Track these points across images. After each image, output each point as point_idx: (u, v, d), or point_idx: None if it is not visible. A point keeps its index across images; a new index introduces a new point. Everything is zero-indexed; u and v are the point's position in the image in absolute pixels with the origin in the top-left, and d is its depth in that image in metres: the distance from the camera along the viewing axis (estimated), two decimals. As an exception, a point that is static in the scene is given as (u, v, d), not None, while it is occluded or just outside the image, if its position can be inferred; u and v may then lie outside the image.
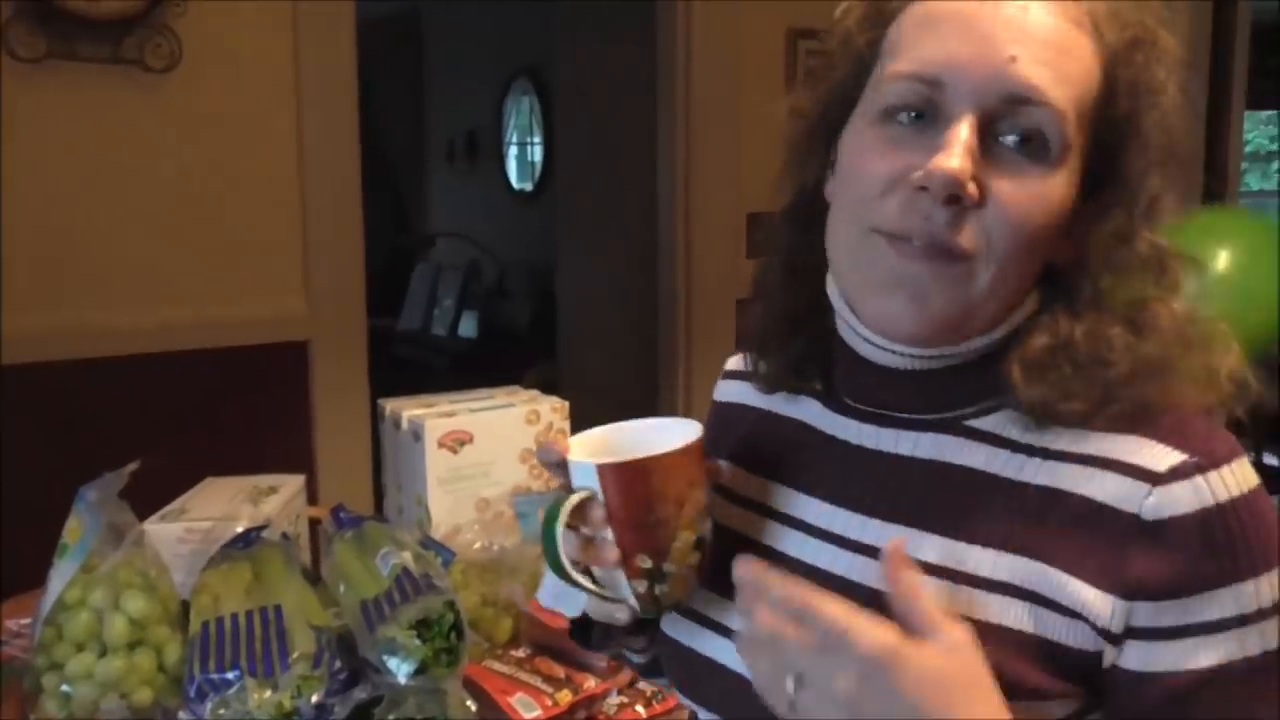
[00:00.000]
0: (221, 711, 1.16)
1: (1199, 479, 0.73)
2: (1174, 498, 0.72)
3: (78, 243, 2.33)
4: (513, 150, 6.42)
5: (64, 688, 1.20)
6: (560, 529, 0.80)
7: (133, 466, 1.33)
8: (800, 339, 0.91)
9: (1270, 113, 7.18)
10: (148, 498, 1.50)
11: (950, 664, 0.68)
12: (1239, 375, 0.80)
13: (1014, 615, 0.74)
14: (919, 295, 0.76)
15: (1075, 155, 0.76)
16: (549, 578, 0.89)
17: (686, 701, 0.93)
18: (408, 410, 1.73)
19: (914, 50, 0.77)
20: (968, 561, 0.77)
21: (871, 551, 0.80)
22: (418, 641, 1.22)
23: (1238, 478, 0.74)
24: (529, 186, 6.22)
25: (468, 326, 5.91)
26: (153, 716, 1.24)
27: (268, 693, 1.17)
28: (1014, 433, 0.80)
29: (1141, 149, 0.78)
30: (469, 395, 1.85)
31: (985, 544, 0.76)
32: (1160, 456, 0.74)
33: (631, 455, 0.81)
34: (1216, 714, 0.73)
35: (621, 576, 0.82)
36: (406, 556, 1.35)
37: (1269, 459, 5.16)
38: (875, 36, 0.81)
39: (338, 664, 1.22)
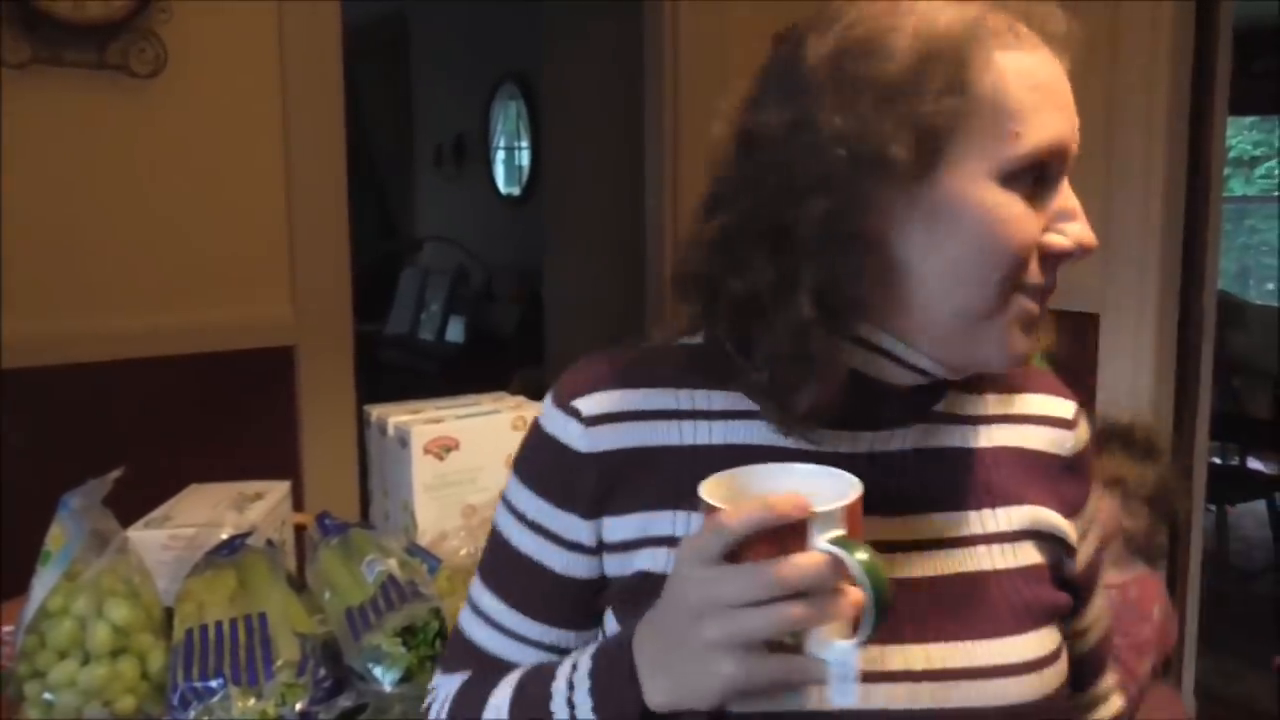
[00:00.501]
0: (205, 719, 1.16)
1: (1083, 420, 0.99)
2: (1080, 436, 0.98)
3: (62, 248, 2.32)
4: (500, 155, 6.42)
5: (46, 696, 1.20)
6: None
7: (116, 473, 1.33)
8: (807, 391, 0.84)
9: (1254, 118, 7.22)
10: (132, 504, 1.49)
11: None
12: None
13: (1034, 554, 0.90)
14: (1028, 336, 0.86)
15: None
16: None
17: None
18: (394, 416, 1.72)
19: (1037, 117, 0.81)
20: (989, 524, 0.90)
21: (927, 545, 0.88)
22: (403, 649, 1.22)
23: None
24: (516, 191, 6.22)
25: (455, 331, 5.91)
26: (136, 725, 1.23)
27: (252, 701, 1.16)
28: (965, 409, 0.93)
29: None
30: (456, 401, 1.84)
31: (994, 505, 0.90)
32: (1063, 406, 0.98)
33: (814, 499, 0.72)
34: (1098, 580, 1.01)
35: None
36: (392, 564, 1.34)
37: (1254, 464, 5.20)
38: (959, 79, 0.79)
39: (322, 672, 1.21)
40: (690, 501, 0.78)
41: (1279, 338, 5.59)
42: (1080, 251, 0.84)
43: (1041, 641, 0.87)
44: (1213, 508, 4.39)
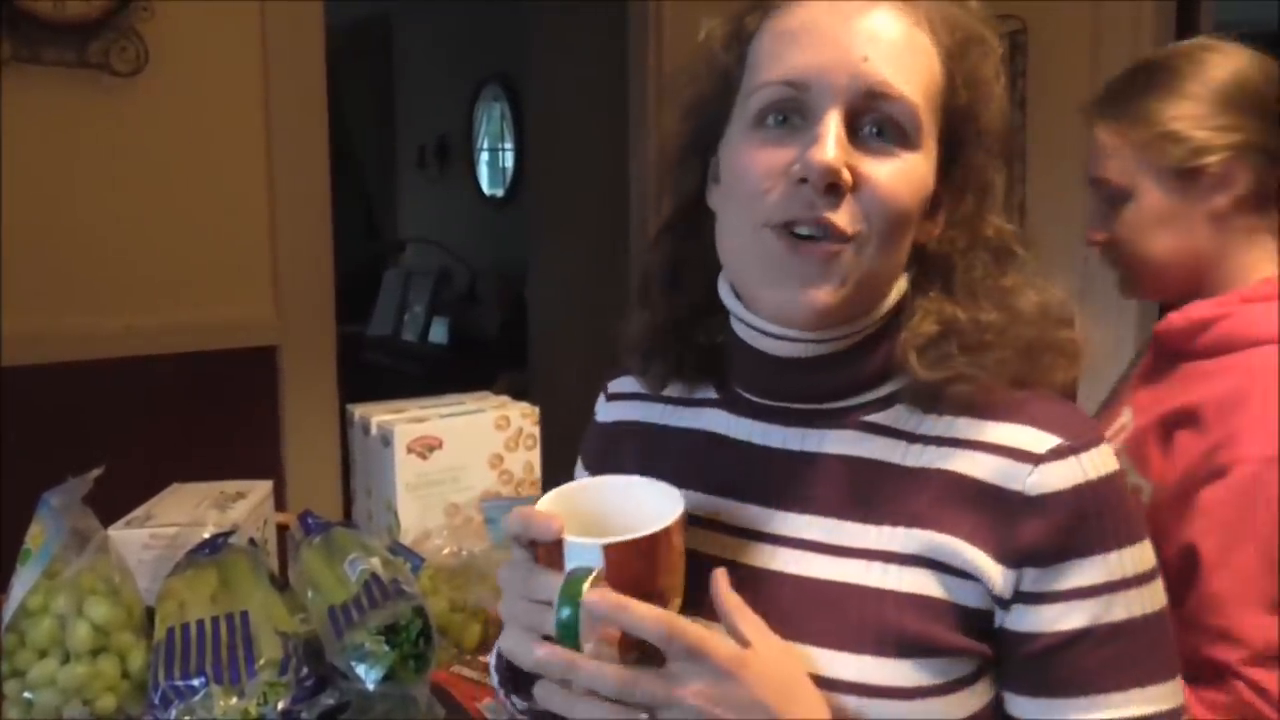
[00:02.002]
0: (187, 718, 1.15)
1: (1072, 459, 0.83)
2: (1053, 475, 0.83)
3: (42, 247, 2.31)
4: (484, 156, 6.41)
5: (26, 694, 1.19)
6: (579, 609, 0.76)
7: (97, 472, 1.32)
8: (684, 345, 0.99)
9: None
10: (114, 503, 1.49)
11: (784, 663, 0.79)
12: (1089, 349, 0.92)
13: (926, 584, 0.83)
14: (810, 282, 0.84)
15: (931, 140, 0.87)
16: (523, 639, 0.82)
17: None
18: (377, 416, 1.72)
19: (778, 60, 0.86)
20: (880, 540, 0.85)
21: (814, 547, 0.88)
22: (386, 647, 1.21)
23: (1104, 459, 0.84)
24: (500, 192, 6.21)
25: (438, 333, 5.90)
26: (116, 724, 1.23)
27: (233, 699, 1.16)
28: (909, 424, 0.89)
29: (981, 138, 0.90)
30: (439, 401, 1.84)
31: (895, 524, 0.85)
32: (1039, 440, 0.84)
33: (617, 524, 0.82)
34: (1079, 668, 0.82)
35: (615, 653, 0.78)
36: (375, 562, 1.34)
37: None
38: (739, 54, 0.90)
39: (304, 671, 1.21)
40: (655, 473, 0.89)
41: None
42: (811, 171, 0.81)
43: (906, 673, 0.81)
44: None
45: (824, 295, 0.84)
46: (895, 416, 0.89)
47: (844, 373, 0.91)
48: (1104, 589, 0.82)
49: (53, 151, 2.31)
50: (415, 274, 6.23)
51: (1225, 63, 1.37)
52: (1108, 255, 1.50)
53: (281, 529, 1.73)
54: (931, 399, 0.88)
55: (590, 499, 0.87)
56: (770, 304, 0.87)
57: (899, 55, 0.84)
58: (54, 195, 2.32)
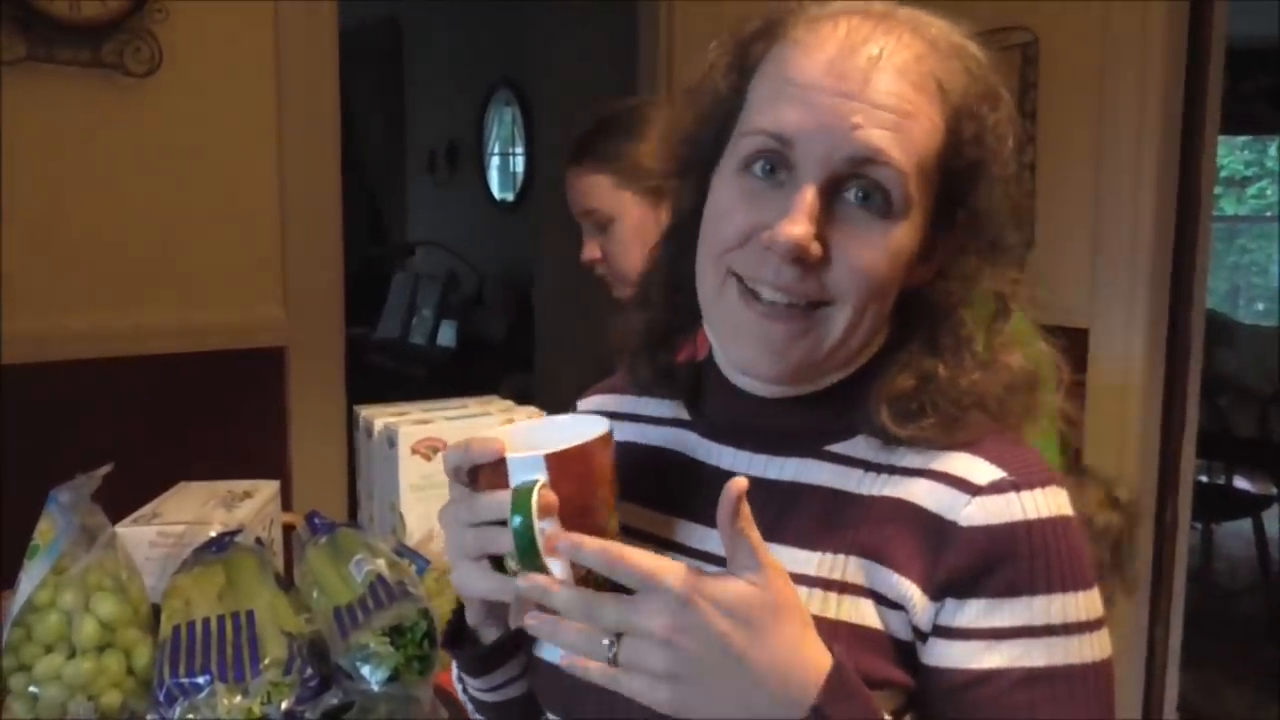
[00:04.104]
0: (191, 716, 1.15)
1: (1012, 494, 0.81)
2: (988, 508, 0.81)
3: (55, 246, 2.32)
4: (494, 161, 6.42)
5: (32, 689, 1.19)
6: (536, 520, 0.78)
7: (105, 469, 1.33)
8: (669, 354, 0.99)
9: (1245, 138, 7.26)
10: (122, 501, 1.49)
11: (755, 592, 0.74)
12: (1059, 412, 0.91)
13: (861, 613, 0.82)
14: (773, 349, 0.84)
15: (919, 209, 0.84)
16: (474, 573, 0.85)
17: None
18: (382, 417, 1.73)
19: (770, 110, 0.84)
20: (823, 568, 0.84)
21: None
22: (391, 648, 1.22)
23: (1050, 501, 0.82)
24: (511, 197, 6.22)
25: (446, 336, 5.91)
26: (121, 719, 1.23)
27: (238, 698, 1.16)
28: (867, 454, 0.88)
29: (989, 194, 0.87)
30: (444, 404, 1.85)
31: (837, 551, 0.84)
32: (983, 472, 0.82)
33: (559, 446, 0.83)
34: (991, 709, 0.79)
35: (561, 566, 0.80)
36: (380, 564, 1.34)
37: (1240, 483, 5.22)
38: (740, 85, 0.89)
39: (309, 671, 1.21)
40: (626, 491, 0.90)
41: (1267, 357, 5.61)
42: (776, 244, 0.80)
43: None
44: (1198, 526, 4.41)
45: (783, 362, 0.85)
46: (857, 446, 0.88)
47: (813, 414, 0.90)
48: (1024, 632, 0.79)
49: (66, 151, 2.32)
50: (423, 277, 6.25)
51: (668, 115, 1.71)
52: (601, 268, 1.85)
53: (288, 529, 1.73)
54: (897, 441, 0.86)
55: (519, 438, 0.88)
56: (734, 359, 0.88)
57: (894, 122, 0.81)
58: (66, 194, 2.33)
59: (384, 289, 6.42)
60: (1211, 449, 4.66)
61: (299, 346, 2.61)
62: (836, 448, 0.89)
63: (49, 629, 1.22)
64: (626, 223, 1.78)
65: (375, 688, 1.21)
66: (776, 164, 0.84)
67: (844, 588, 0.83)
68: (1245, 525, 4.81)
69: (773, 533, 0.86)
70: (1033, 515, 0.80)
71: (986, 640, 0.80)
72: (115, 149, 2.37)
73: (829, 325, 0.84)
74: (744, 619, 0.73)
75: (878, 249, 0.82)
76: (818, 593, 0.83)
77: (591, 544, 0.76)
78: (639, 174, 1.75)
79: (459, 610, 0.97)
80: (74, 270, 2.34)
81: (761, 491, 0.88)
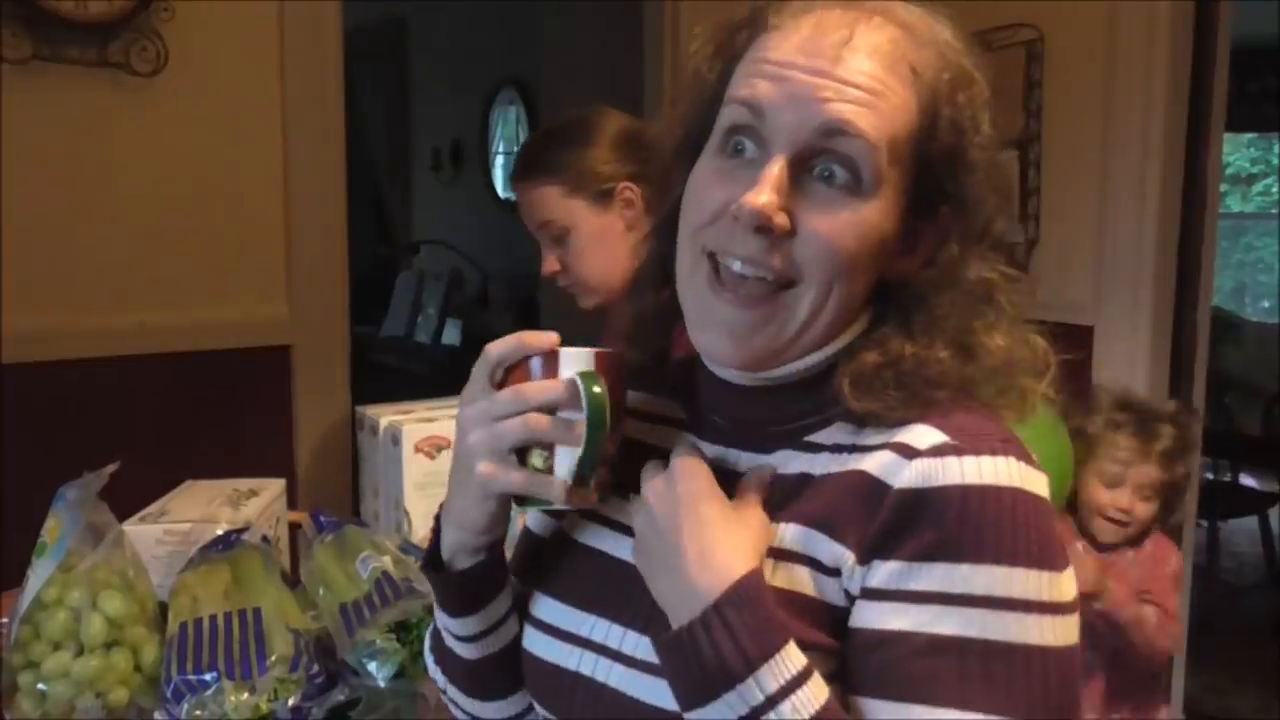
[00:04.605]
0: (198, 713, 1.16)
1: (951, 458, 0.78)
2: (922, 471, 0.79)
3: (61, 245, 2.32)
4: (499, 159, 6.42)
5: (40, 686, 1.20)
6: (601, 389, 0.83)
7: (112, 467, 1.33)
8: (665, 341, 1.00)
9: (1251, 135, 7.25)
10: (128, 499, 1.50)
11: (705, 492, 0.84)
12: (1047, 400, 0.89)
13: (800, 580, 0.83)
14: (735, 334, 0.86)
15: (891, 186, 0.84)
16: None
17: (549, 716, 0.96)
18: (386, 416, 1.73)
19: (747, 84, 0.85)
20: (777, 539, 0.84)
21: None
22: (397, 645, 1.22)
23: (997, 470, 0.78)
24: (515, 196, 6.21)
25: (451, 335, 5.91)
26: (128, 716, 1.24)
27: (245, 694, 1.17)
28: (841, 438, 0.87)
29: (969, 179, 0.87)
30: (447, 402, 1.85)
31: (789, 521, 0.85)
32: (928, 437, 0.81)
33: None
34: (894, 670, 0.77)
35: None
36: (386, 561, 1.35)
37: (1247, 480, 5.22)
38: (725, 71, 0.90)
39: (315, 667, 1.22)
40: (627, 491, 0.92)
41: (1274, 354, 5.61)
42: (741, 212, 0.82)
43: None
44: (1204, 523, 4.40)
45: (747, 348, 0.86)
46: (832, 434, 0.88)
47: (794, 403, 0.90)
48: (937, 598, 0.76)
49: (72, 149, 2.33)
50: (428, 276, 6.25)
51: (614, 121, 1.82)
52: (563, 279, 1.86)
53: (294, 527, 1.74)
54: (863, 422, 0.86)
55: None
56: (700, 345, 0.89)
57: (863, 97, 0.82)
58: (72, 193, 2.33)
59: (389, 287, 6.42)
60: (1217, 446, 4.67)
61: (304, 345, 2.61)
62: (815, 437, 0.89)
63: (57, 626, 1.22)
64: (582, 230, 1.80)
65: (381, 684, 1.21)
66: (747, 138, 0.85)
67: (778, 554, 0.84)
68: (1251, 523, 4.80)
69: None
70: (970, 480, 0.77)
71: (898, 602, 0.77)
72: (121, 148, 2.38)
73: (794, 308, 0.84)
74: (694, 512, 0.82)
75: (844, 224, 0.83)
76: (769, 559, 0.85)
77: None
78: (588, 180, 1.78)
79: (437, 532, 0.96)
80: (80, 269, 2.35)
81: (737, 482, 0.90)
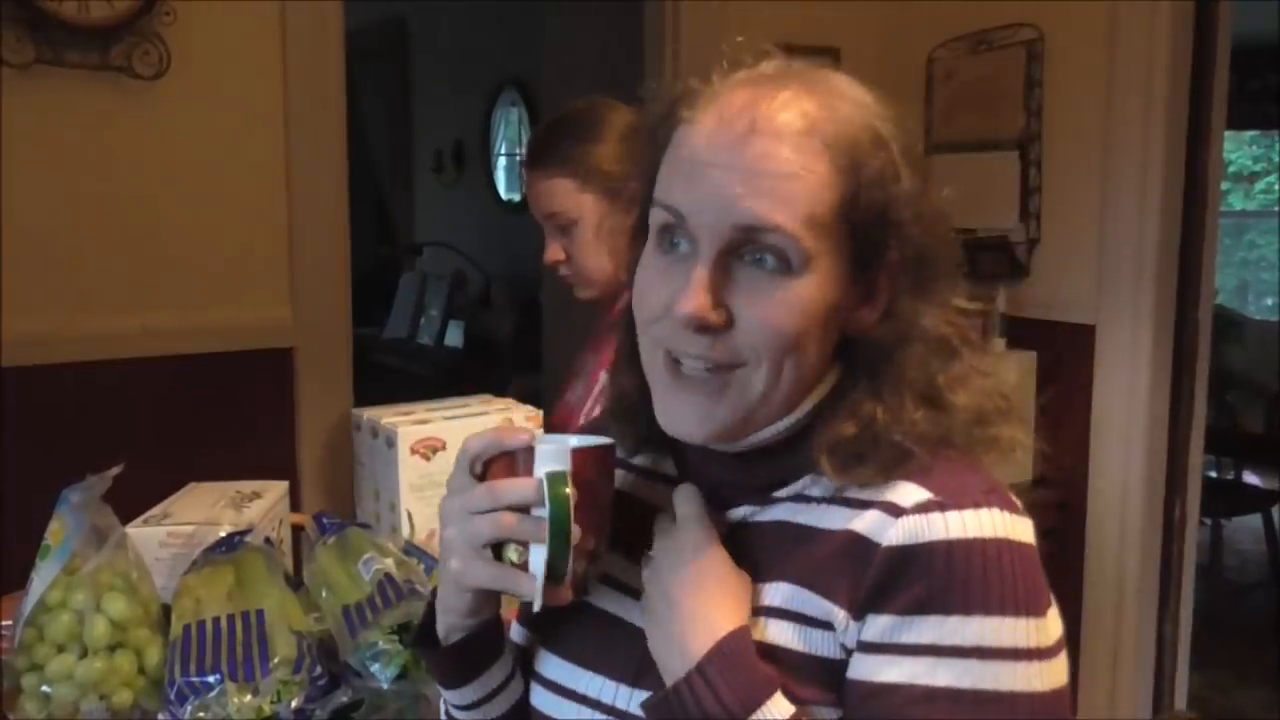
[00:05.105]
0: (201, 715, 1.16)
1: (935, 514, 0.80)
2: (909, 529, 0.80)
3: (63, 248, 2.33)
4: (501, 161, 6.42)
5: (44, 688, 1.21)
6: (570, 490, 0.83)
7: (116, 470, 1.33)
8: (648, 417, 0.96)
9: (1254, 133, 7.25)
10: (132, 502, 1.50)
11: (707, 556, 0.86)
12: (1024, 446, 0.89)
13: (787, 636, 0.84)
14: (698, 413, 0.87)
15: (826, 256, 0.85)
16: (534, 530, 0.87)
17: None
18: (384, 418, 1.74)
19: (669, 185, 0.88)
20: (763, 597, 0.86)
21: None
22: (399, 646, 1.23)
23: (980, 522, 0.80)
24: (518, 197, 6.23)
25: (454, 336, 5.91)
26: (132, 718, 1.24)
27: (248, 697, 1.17)
28: (815, 491, 0.89)
29: (905, 232, 0.86)
30: (443, 404, 1.86)
31: (777, 580, 0.86)
32: (910, 495, 0.82)
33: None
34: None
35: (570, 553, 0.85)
36: (389, 563, 1.36)
37: (1250, 478, 5.21)
38: (653, 165, 0.92)
39: (318, 669, 1.22)
40: (617, 548, 0.95)
41: (1276, 352, 5.60)
42: (676, 320, 0.84)
43: None
44: (1207, 521, 4.39)
45: (711, 423, 0.87)
46: (807, 484, 0.90)
47: (764, 467, 0.91)
48: (930, 650, 0.78)
49: (74, 153, 2.33)
50: (431, 278, 6.25)
51: (621, 117, 1.86)
52: (565, 269, 1.89)
53: (297, 529, 1.74)
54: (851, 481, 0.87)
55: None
56: (666, 424, 0.90)
57: (775, 186, 0.83)
58: (74, 196, 2.33)
59: (392, 289, 6.43)
60: (1220, 444, 4.66)
61: (307, 348, 2.61)
62: (784, 492, 0.91)
63: (61, 629, 1.23)
64: (588, 224, 1.82)
65: (384, 685, 1.22)
66: (679, 237, 0.87)
67: (766, 611, 0.85)
68: (1255, 520, 4.79)
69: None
70: (956, 535, 0.79)
71: (892, 655, 0.79)
72: (123, 151, 2.38)
73: (748, 385, 0.86)
74: (695, 578, 0.84)
75: (781, 305, 0.84)
76: (755, 620, 0.85)
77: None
78: (598, 176, 1.79)
79: (430, 611, 0.98)
80: (82, 272, 2.35)
81: (733, 534, 0.91)
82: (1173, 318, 2.85)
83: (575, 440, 0.90)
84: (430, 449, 1.69)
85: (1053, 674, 0.80)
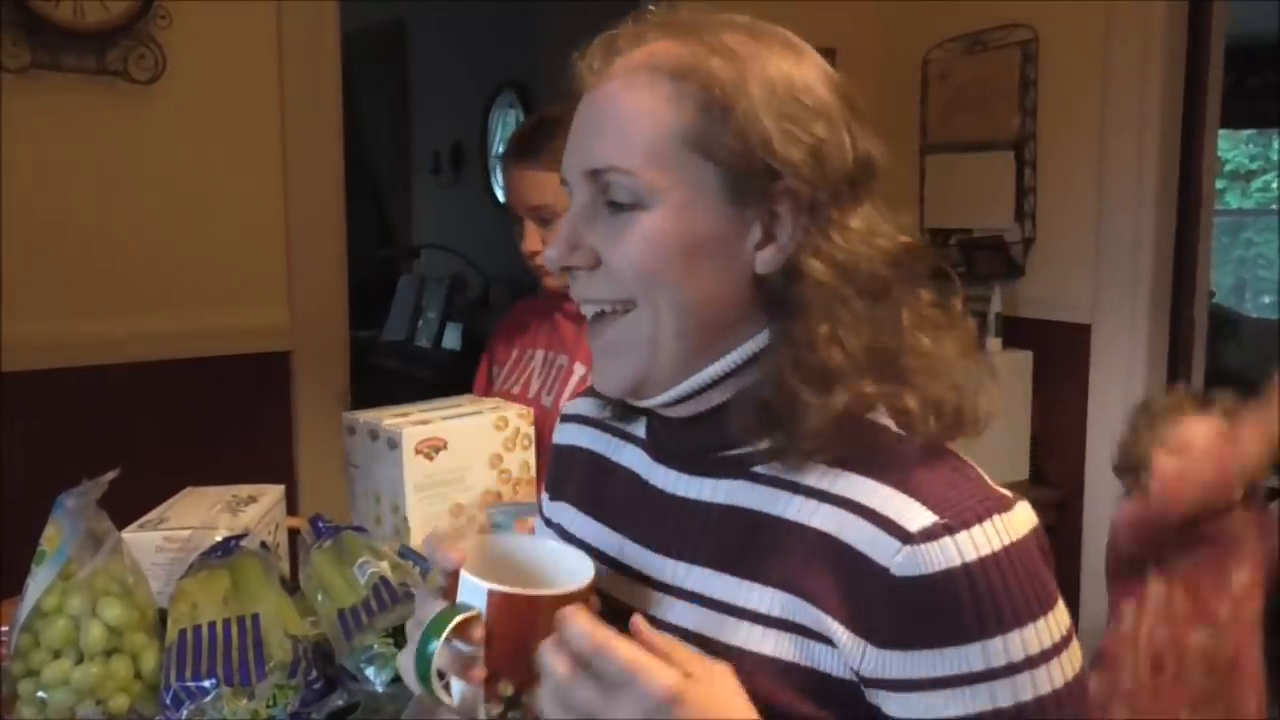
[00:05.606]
0: (197, 719, 1.17)
1: (946, 540, 0.78)
2: (922, 558, 0.78)
3: (60, 252, 2.33)
4: (499, 163, 6.42)
5: (40, 694, 1.21)
6: (439, 643, 0.80)
7: (112, 474, 1.34)
8: None
9: (1250, 131, 7.24)
10: (129, 506, 1.50)
11: (717, 694, 0.76)
12: (950, 407, 0.85)
13: (784, 648, 0.82)
14: (604, 364, 0.92)
15: (680, 186, 0.85)
16: (407, 664, 0.85)
17: None
18: (383, 420, 1.74)
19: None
20: (750, 599, 0.85)
21: (701, 600, 0.88)
22: (395, 649, 1.23)
23: (989, 535, 0.79)
24: (515, 199, 6.21)
25: (452, 338, 5.91)
26: (129, 724, 1.24)
27: (243, 701, 1.17)
28: (792, 474, 0.87)
29: (770, 156, 0.84)
30: (434, 404, 1.86)
31: (765, 582, 0.84)
32: (913, 515, 0.79)
33: (525, 582, 0.83)
34: None
35: (480, 697, 0.81)
36: (384, 566, 1.36)
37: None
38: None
39: (314, 673, 1.22)
40: (589, 506, 1.02)
41: (1274, 351, 5.60)
42: (548, 265, 0.91)
43: None
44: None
45: (620, 377, 0.90)
46: (780, 466, 0.88)
47: (716, 430, 0.90)
48: (985, 676, 0.77)
49: (70, 157, 2.34)
50: (429, 280, 6.25)
51: None
52: (542, 260, 1.77)
53: (293, 533, 1.74)
54: (792, 456, 0.86)
55: (517, 555, 0.90)
56: (597, 386, 0.94)
57: (612, 126, 0.87)
58: (71, 200, 2.34)
59: (390, 292, 6.43)
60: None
61: (304, 351, 2.62)
62: (762, 468, 0.89)
63: (56, 634, 1.23)
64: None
65: (379, 689, 1.22)
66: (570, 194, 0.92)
67: (764, 620, 0.84)
68: (1253, 519, 4.79)
69: (701, 556, 0.90)
70: (971, 558, 0.77)
71: (952, 689, 0.78)
72: (119, 155, 2.39)
73: (636, 326, 0.88)
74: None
75: (631, 240, 0.86)
76: (738, 623, 0.85)
77: (573, 627, 0.77)
78: None
79: None
80: (80, 276, 2.36)
81: (693, 513, 0.92)
82: (1168, 316, 2.86)
83: (563, 562, 0.87)
84: (433, 449, 1.70)
85: (1072, 661, 0.81)
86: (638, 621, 0.79)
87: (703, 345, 0.88)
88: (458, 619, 0.80)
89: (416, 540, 1.66)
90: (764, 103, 0.84)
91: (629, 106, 0.87)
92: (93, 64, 2.33)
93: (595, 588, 0.84)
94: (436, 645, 0.80)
